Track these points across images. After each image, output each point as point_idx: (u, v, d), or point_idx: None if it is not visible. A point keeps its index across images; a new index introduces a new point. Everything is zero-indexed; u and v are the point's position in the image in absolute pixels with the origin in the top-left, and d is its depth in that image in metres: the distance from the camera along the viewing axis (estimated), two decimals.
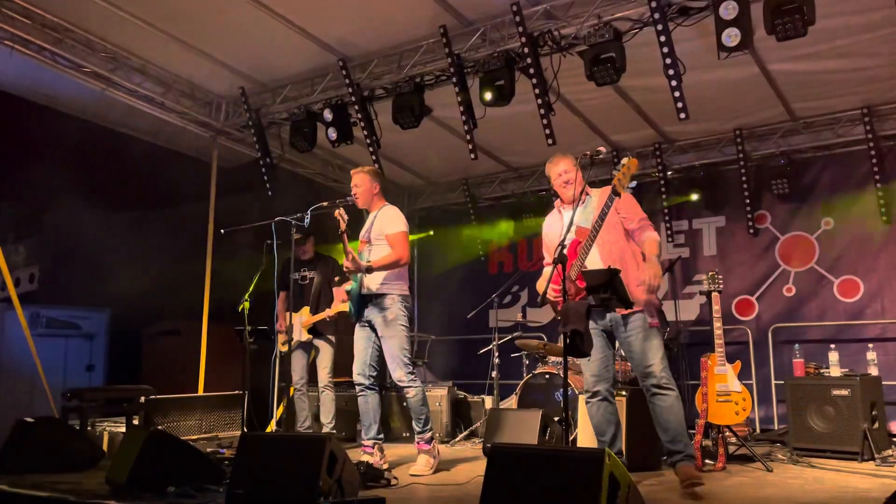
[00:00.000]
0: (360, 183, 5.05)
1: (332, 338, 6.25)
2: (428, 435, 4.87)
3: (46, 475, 4.55)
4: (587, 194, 4.35)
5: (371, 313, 4.87)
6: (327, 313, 6.08)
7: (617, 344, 4.53)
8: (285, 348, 6.23)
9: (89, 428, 5.75)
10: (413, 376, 4.86)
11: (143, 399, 6.07)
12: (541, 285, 4.35)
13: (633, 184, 4.50)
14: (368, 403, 4.91)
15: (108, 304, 9.12)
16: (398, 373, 4.82)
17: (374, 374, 4.94)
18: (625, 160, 3.99)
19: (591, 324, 4.15)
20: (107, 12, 5.86)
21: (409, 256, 4.93)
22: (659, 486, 4.22)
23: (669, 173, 8.20)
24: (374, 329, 4.89)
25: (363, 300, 4.89)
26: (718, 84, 6.58)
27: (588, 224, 4.14)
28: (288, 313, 6.15)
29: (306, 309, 6.25)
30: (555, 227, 4.45)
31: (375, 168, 5.53)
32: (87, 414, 5.66)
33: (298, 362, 6.26)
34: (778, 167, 7.50)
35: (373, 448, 4.86)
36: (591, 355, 4.16)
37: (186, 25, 6.13)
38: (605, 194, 4.18)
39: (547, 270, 4.44)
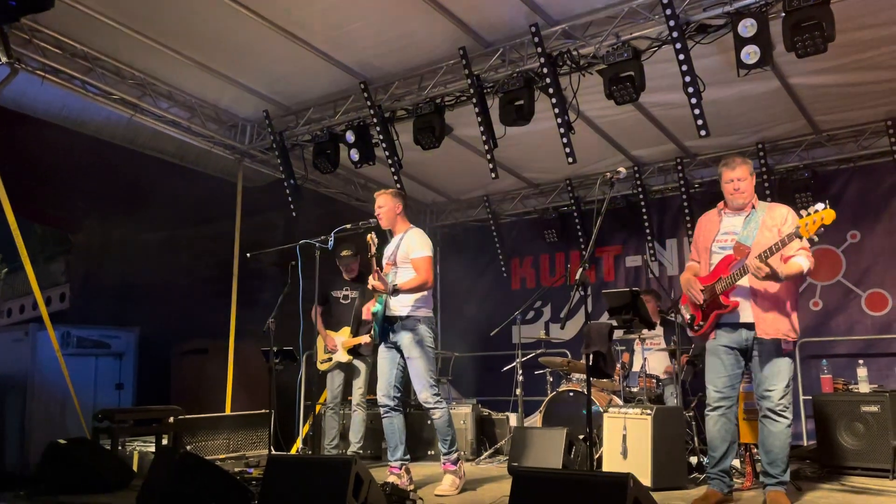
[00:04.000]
0: (384, 203, 5.12)
1: (370, 358, 6.31)
2: (454, 455, 4.90)
3: (79, 496, 4.66)
4: (753, 207, 4.25)
5: (397, 335, 4.92)
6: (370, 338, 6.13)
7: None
8: (326, 367, 6.29)
9: (120, 448, 5.85)
10: (439, 397, 4.90)
11: (171, 419, 6.16)
12: (683, 283, 4.37)
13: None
14: (394, 425, 4.95)
15: (136, 323, 9.28)
16: (424, 394, 4.86)
17: (399, 395, 4.98)
18: (821, 209, 3.73)
19: (725, 340, 4.17)
20: (135, 41, 6.02)
21: (433, 280, 4.99)
22: None
23: (693, 187, 8.17)
24: (399, 351, 4.94)
25: (388, 322, 4.94)
26: (739, 98, 6.57)
27: (749, 242, 4.08)
28: (327, 331, 6.24)
29: (346, 329, 6.31)
30: (709, 230, 4.36)
31: (399, 189, 5.58)
32: (118, 434, 5.76)
33: (334, 382, 6.33)
34: (802, 180, 7.43)
35: (399, 469, 4.89)
36: (719, 372, 4.19)
37: (211, 52, 6.27)
38: (775, 213, 4.14)
39: (690, 265, 4.45)
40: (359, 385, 6.29)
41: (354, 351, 6.25)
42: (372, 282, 4.79)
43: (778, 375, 4.04)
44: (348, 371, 6.36)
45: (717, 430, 4.21)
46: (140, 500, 4.15)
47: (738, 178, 4.22)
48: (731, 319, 4.15)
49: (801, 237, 3.83)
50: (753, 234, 4.12)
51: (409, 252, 4.94)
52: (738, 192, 4.23)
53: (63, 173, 8.56)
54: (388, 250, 5.13)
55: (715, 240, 4.29)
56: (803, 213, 3.80)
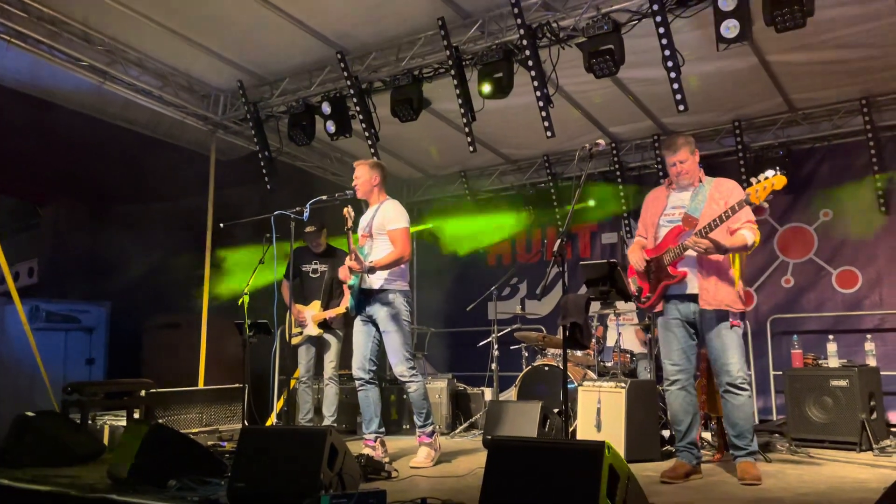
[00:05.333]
0: (361, 174, 5.07)
1: (341, 332, 6.24)
2: (429, 429, 4.90)
3: (47, 469, 4.57)
4: (700, 181, 4.28)
5: (372, 309, 4.87)
6: (341, 310, 6.02)
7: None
8: (297, 340, 6.22)
9: (90, 422, 5.76)
10: (414, 371, 4.88)
11: (143, 393, 6.07)
12: (630, 254, 4.40)
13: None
14: (369, 398, 4.93)
15: (107, 297, 9.12)
16: (400, 367, 4.84)
17: (374, 368, 4.95)
18: (772, 176, 3.79)
19: (675, 313, 4.20)
20: (104, 5, 5.85)
21: (410, 253, 4.93)
22: (657, 477, 4.23)
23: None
24: (374, 324, 4.90)
25: (364, 295, 4.89)
26: (717, 75, 6.57)
27: (697, 213, 4.11)
28: (297, 305, 6.17)
29: (317, 303, 6.22)
30: (656, 205, 4.38)
31: (377, 160, 5.51)
32: (88, 408, 5.67)
33: (305, 356, 6.26)
34: (776, 158, 7.46)
35: (374, 442, 4.88)
36: (672, 345, 4.23)
37: (184, 18, 6.12)
38: (722, 188, 4.16)
39: (637, 240, 4.46)
40: (330, 359, 6.23)
41: (325, 324, 6.18)
42: (348, 262, 4.74)
43: (728, 347, 4.07)
44: (319, 345, 6.29)
45: (679, 403, 4.26)
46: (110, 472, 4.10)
47: (680, 160, 4.24)
48: (679, 291, 4.18)
49: (751, 204, 3.87)
50: (701, 206, 4.15)
51: (386, 223, 4.88)
52: (682, 174, 4.26)
53: (31, 144, 8.34)
54: (364, 221, 5.06)
55: (662, 214, 4.32)
56: (753, 180, 3.84)
